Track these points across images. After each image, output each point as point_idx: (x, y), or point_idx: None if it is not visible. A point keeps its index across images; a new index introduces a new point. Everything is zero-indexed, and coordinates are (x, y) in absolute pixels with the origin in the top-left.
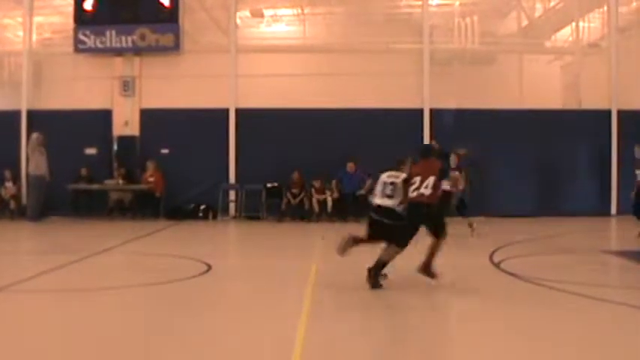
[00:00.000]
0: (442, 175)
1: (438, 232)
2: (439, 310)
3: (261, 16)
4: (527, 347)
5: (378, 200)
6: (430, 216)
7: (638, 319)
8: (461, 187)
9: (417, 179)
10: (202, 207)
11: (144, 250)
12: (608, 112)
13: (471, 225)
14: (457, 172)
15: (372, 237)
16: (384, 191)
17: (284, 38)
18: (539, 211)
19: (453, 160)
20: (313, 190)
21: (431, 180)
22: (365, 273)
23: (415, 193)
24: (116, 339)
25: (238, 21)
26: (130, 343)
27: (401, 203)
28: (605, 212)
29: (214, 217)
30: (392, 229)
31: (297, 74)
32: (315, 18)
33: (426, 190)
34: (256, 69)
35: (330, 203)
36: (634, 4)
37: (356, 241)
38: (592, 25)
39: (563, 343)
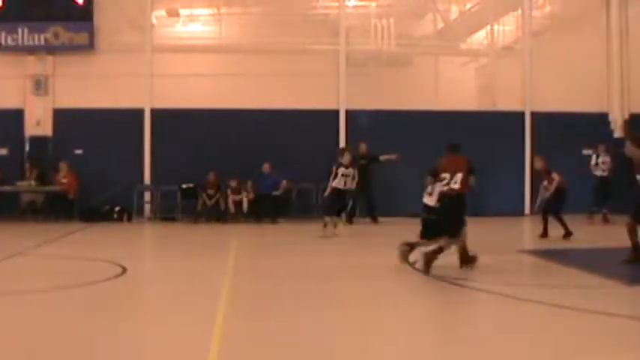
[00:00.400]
0: (471, 171)
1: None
2: (353, 308)
3: (177, 15)
4: (434, 346)
5: (425, 200)
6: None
7: (545, 315)
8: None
9: (447, 175)
10: (117, 208)
11: (57, 253)
12: (522, 114)
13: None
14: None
15: (426, 236)
16: (427, 190)
17: (200, 38)
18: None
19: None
20: (229, 190)
21: (459, 175)
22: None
23: (446, 188)
24: (28, 344)
25: (154, 20)
26: (42, 348)
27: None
28: (519, 212)
29: (129, 218)
30: (440, 224)
31: (213, 74)
32: (231, 18)
33: (456, 185)
34: (172, 69)
35: (245, 204)
36: (547, 8)
37: (411, 245)
38: (507, 28)
39: (472, 340)
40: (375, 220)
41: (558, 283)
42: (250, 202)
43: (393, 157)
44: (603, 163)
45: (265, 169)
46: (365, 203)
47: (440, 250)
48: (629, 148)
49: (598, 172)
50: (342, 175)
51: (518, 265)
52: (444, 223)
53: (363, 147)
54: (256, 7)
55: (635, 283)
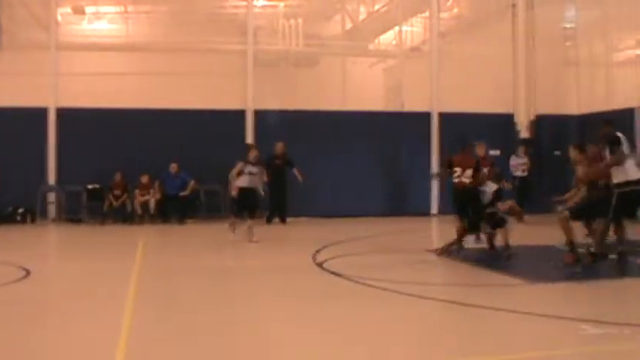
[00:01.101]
0: (477, 167)
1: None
2: (261, 309)
3: (83, 13)
4: (342, 345)
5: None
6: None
7: (450, 313)
8: None
9: (459, 169)
10: (20, 210)
11: None
12: (429, 115)
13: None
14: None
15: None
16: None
17: (107, 36)
18: (366, 211)
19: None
20: (137, 190)
21: (469, 171)
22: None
23: (457, 180)
24: None
25: (59, 17)
26: None
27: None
28: (426, 212)
29: (33, 220)
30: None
31: (120, 73)
32: (138, 16)
33: (467, 179)
34: (78, 67)
35: (152, 204)
36: (455, 10)
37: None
38: (414, 29)
39: (380, 340)
40: (283, 220)
41: (464, 281)
42: (157, 203)
43: (300, 178)
44: (524, 164)
45: (172, 169)
46: (276, 203)
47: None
48: (572, 152)
49: (518, 173)
50: (248, 173)
51: (425, 264)
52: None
53: (279, 147)
54: (164, 5)
55: (539, 281)
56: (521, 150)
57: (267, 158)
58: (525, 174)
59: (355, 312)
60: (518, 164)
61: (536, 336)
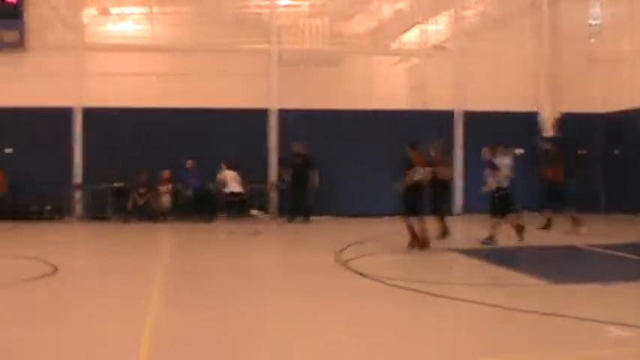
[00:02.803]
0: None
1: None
2: (286, 308)
3: (108, 14)
4: (369, 345)
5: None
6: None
7: (476, 314)
8: None
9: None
10: (47, 207)
11: None
12: (452, 113)
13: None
14: None
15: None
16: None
17: (132, 37)
18: (390, 211)
19: None
20: (160, 185)
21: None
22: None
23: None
24: None
25: (85, 18)
26: None
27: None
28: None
29: (60, 217)
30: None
31: (144, 73)
32: (163, 17)
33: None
34: (103, 67)
35: (167, 200)
36: (479, 7)
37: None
38: (438, 27)
39: (405, 341)
40: (306, 219)
41: (488, 281)
42: (177, 200)
43: (314, 181)
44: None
45: (189, 165)
46: (298, 202)
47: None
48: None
49: None
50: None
51: (449, 263)
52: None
53: (299, 147)
54: (188, 6)
55: (564, 282)
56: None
57: (286, 157)
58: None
59: (381, 311)
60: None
61: (562, 337)
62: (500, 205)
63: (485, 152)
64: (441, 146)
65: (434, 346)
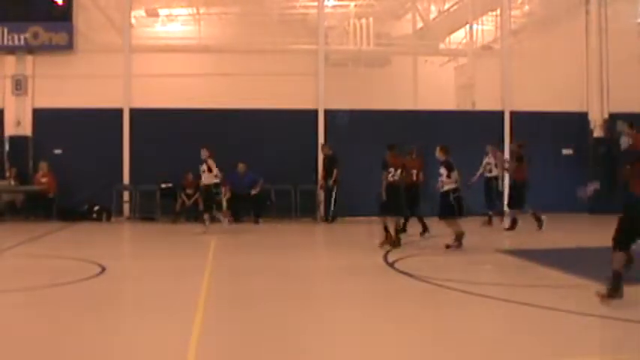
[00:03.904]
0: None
1: None
2: (334, 310)
3: (156, 15)
4: (421, 347)
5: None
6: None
7: (522, 315)
8: None
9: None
10: (96, 208)
11: (36, 253)
12: (501, 114)
13: None
14: None
15: None
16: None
17: (179, 38)
18: (434, 211)
19: None
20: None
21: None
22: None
23: (392, 178)
24: (3, 344)
25: (133, 20)
26: (17, 348)
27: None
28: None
29: (108, 218)
30: None
31: (191, 74)
32: (210, 18)
33: (397, 177)
34: (151, 69)
35: (225, 203)
36: (526, 7)
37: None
38: (485, 27)
39: (456, 342)
40: (332, 219)
41: (533, 282)
42: (227, 202)
43: (331, 181)
44: (488, 164)
45: (240, 169)
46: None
47: None
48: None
49: (486, 174)
50: (201, 170)
51: (493, 264)
52: None
53: (324, 148)
54: (235, 7)
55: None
56: (488, 148)
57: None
58: (493, 174)
59: (430, 313)
60: (486, 164)
61: (604, 339)
62: (457, 207)
63: (439, 152)
64: (415, 150)
65: (483, 347)
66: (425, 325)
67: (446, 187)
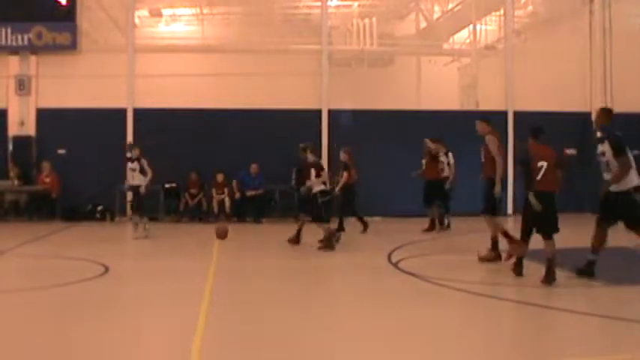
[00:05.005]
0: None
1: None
2: (340, 310)
3: (160, 15)
4: (423, 347)
5: None
6: None
7: (528, 315)
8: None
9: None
10: (99, 208)
11: (40, 253)
12: (505, 114)
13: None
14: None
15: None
16: None
17: (183, 38)
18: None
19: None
20: (214, 189)
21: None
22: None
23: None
24: (6, 343)
25: (136, 20)
26: (21, 347)
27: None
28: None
29: (112, 218)
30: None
31: (195, 74)
32: (213, 18)
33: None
34: (155, 69)
35: (228, 203)
36: (530, 7)
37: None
38: (489, 27)
39: (459, 342)
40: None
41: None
42: (233, 202)
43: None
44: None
45: (253, 170)
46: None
47: None
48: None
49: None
50: (130, 169)
51: (498, 264)
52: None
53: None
54: (239, 7)
55: (619, 283)
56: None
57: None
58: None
59: (434, 313)
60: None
61: (604, 339)
62: (325, 210)
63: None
64: (349, 150)
65: (488, 347)
66: (427, 325)
67: (319, 188)
